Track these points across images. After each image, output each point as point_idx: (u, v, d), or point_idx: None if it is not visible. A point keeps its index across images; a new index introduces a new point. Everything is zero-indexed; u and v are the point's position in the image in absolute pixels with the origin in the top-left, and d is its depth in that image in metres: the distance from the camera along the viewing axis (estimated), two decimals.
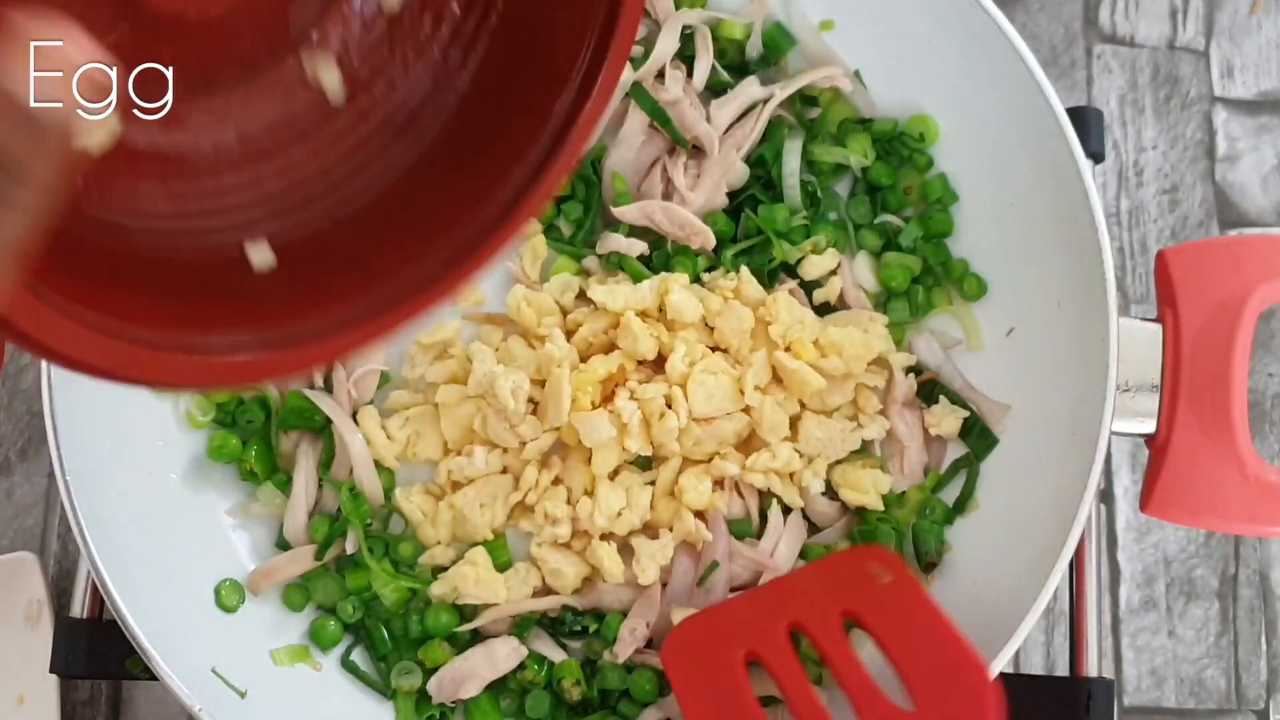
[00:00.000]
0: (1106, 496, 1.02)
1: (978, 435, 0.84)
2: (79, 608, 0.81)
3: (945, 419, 0.85)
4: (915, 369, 0.86)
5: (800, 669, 0.73)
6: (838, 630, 0.73)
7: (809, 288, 0.87)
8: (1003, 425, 0.84)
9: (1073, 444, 0.78)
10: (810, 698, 0.72)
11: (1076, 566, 0.83)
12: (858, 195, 0.89)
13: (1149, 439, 0.79)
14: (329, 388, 0.85)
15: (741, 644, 0.74)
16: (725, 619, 0.77)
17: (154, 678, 0.74)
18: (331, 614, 0.83)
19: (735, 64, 0.90)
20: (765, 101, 0.87)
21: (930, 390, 0.86)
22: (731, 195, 0.88)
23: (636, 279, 0.84)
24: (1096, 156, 0.88)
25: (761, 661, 0.74)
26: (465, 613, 0.83)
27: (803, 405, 0.85)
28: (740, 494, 0.84)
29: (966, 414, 0.85)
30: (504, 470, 0.84)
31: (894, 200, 0.88)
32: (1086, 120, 0.88)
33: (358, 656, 0.83)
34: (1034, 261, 0.84)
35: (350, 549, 0.83)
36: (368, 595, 0.83)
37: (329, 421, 0.83)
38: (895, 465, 0.85)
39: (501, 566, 0.82)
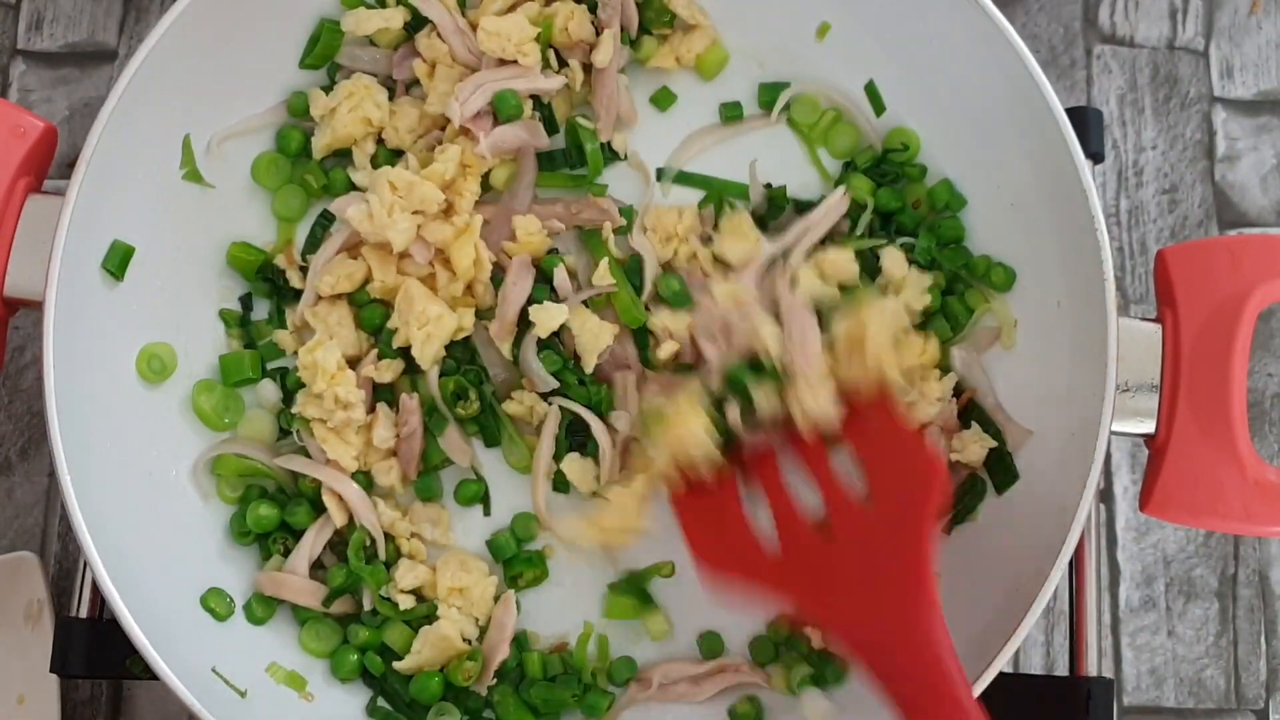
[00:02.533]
0: (1106, 496, 1.02)
1: (1001, 469, 0.84)
2: (79, 608, 0.81)
3: (971, 446, 0.84)
4: (957, 389, 0.86)
5: (783, 485, 0.78)
6: (820, 445, 0.78)
7: None
8: (1022, 454, 0.83)
9: (1073, 444, 0.78)
10: (796, 517, 0.77)
11: (1076, 566, 0.84)
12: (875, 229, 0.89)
13: (1149, 439, 0.80)
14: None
15: (731, 460, 0.79)
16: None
17: (154, 678, 0.74)
18: (352, 647, 0.83)
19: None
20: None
21: (966, 412, 0.86)
22: None
23: None
24: (1096, 156, 0.88)
25: (750, 474, 0.79)
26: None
27: None
28: None
29: (993, 444, 0.84)
30: None
31: (908, 220, 0.88)
32: (1086, 120, 0.88)
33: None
34: (1033, 261, 0.84)
35: (367, 605, 0.83)
36: (375, 647, 0.83)
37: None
38: None
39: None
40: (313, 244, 0.88)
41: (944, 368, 0.86)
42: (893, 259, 0.87)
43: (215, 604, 0.81)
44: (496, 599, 0.84)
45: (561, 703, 0.82)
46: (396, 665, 0.82)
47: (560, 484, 0.86)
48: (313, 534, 0.83)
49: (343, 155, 0.89)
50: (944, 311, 0.87)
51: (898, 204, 0.87)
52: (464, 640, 0.82)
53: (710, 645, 0.85)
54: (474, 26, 0.88)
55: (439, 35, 0.87)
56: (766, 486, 0.78)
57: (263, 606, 0.82)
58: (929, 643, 0.68)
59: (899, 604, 0.70)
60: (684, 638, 0.85)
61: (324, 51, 0.87)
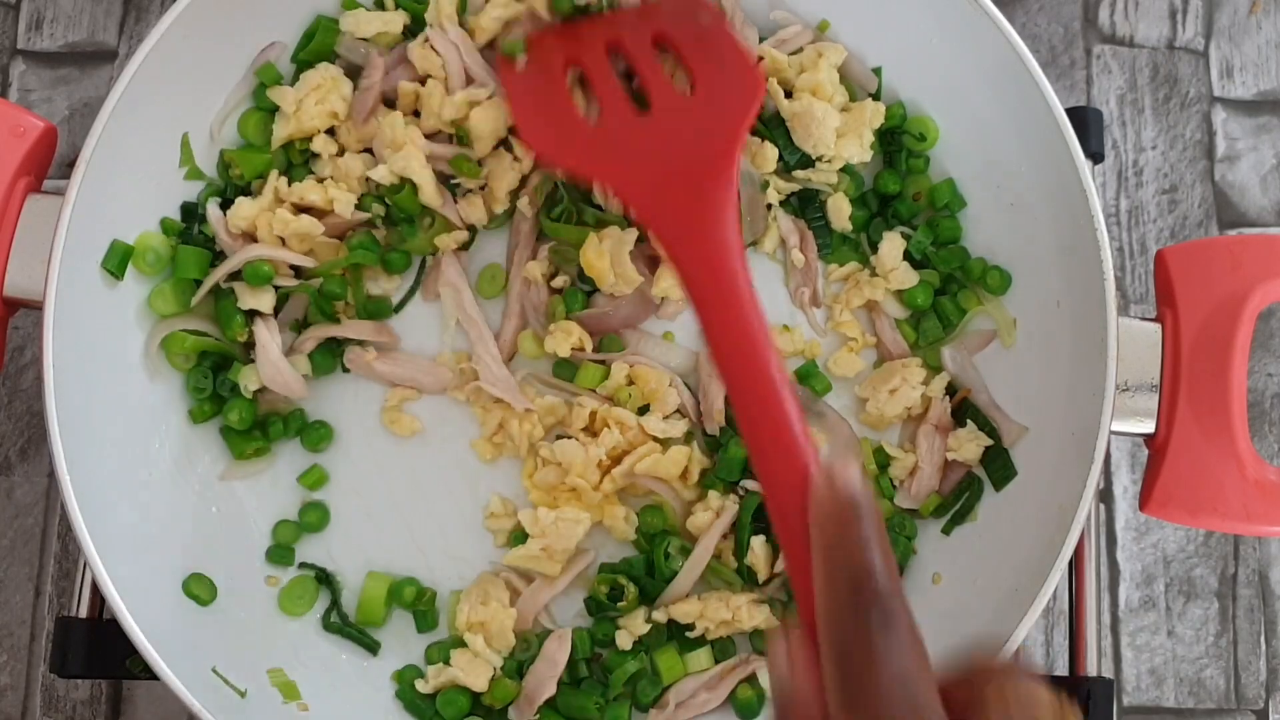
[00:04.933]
0: (1106, 496, 1.02)
1: (998, 465, 0.83)
2: (79, 608, 0.81)
3: (967, 444, 0.84)
4: (950, 387, 0.86)
5: (609, 68, 0.82)
6: (648, 45, 0.82)
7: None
8: (1019, 449, 0.83)
9: (1072, 444, 0.78)
10: (617, 91, 0.81)
11: (1076, 566, 0.84)
12: (871, 209, 0.89)
13: (1149, 439, 0.80)
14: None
15: (562, 52, 0.83)
16: (549, 36, 0.84)
17: (154, 677, 0.74)
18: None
19: None
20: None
21: (961, 409, 0.86)
22: None
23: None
24: (1096, 156, 0.88)
25: (579, 64, 0.83)
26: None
27: None
28: None
29: (989, 443, 0.84)
30: None
31: (904, 209, 0.88)
32: (1086, 120, 0.88)
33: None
34: (1033, 261, 0.84)
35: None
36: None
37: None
38: (904, 484, 0.85)
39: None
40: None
41: (935, 367, 0.86)
42: (891, 244, 0.87)
43: (198, 589, 0.81)
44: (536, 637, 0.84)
45: (584, 709, 0.81)
46: (419, 686, 0.82)
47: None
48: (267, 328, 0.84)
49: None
50: (935, 311, 0.87)
51: (897, 188, 0.87)
52: (491, 675, 0.82)
53: (723, 649, 0.84)
54: (472, 33, 0.88)
55: (433, 48, 0.87)
56: (590, 66, 0.82)
57: (200, 586, 0.81)
58: (720, 228, 0.70)
59: (700, 187, 0.73)
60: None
61: (318, 48, 0.87)
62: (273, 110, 0.87)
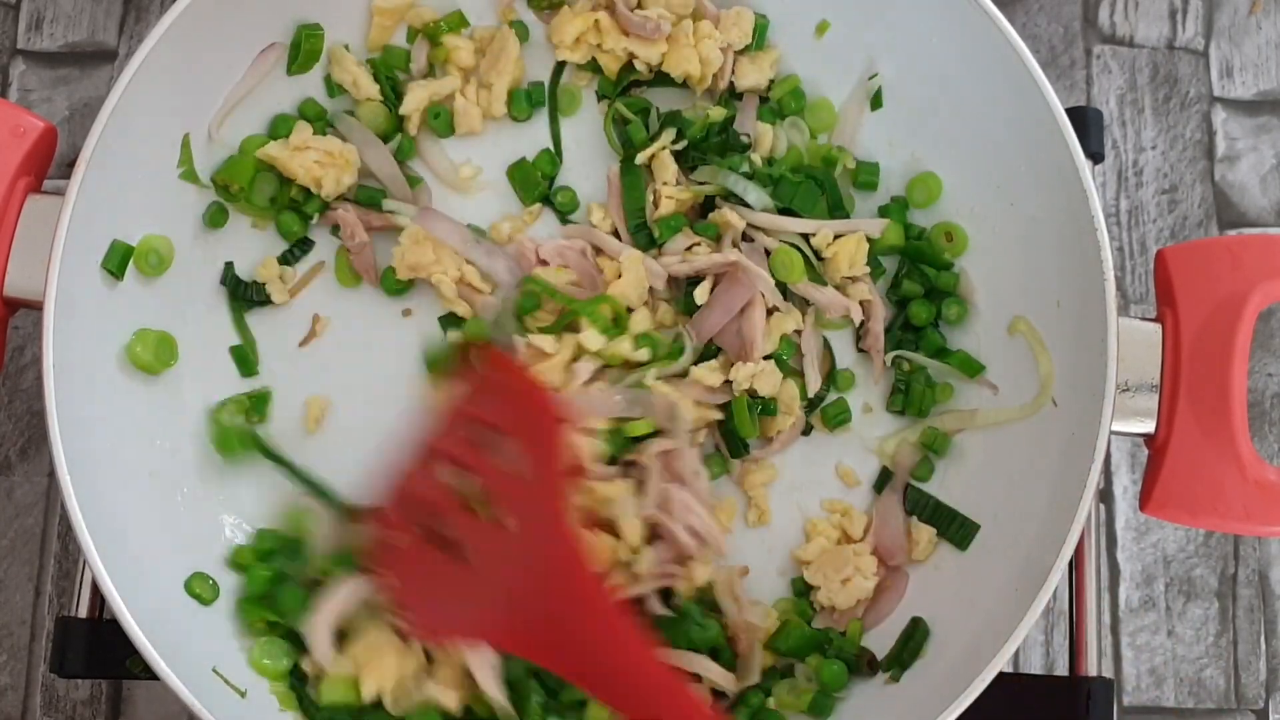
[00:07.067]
0: (1106, 496, 1.02)
1: (956, 529, 0.84)
2: (79, 608, 0.81)
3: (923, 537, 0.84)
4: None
5: (448, 489, 0.76)
6: (463, 440, 0.76)
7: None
8: (1022, 453, 0.83)
9: (1072, 443, 0.78)
10: (459, 506, 0.75)
11: (1076, 566, 0.84)
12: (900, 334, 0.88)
13: (1148, 439, 0.80)
14: None
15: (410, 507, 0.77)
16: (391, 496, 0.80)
17: (154, 677, 0.74)
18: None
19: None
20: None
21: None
22: None
23: None
24: (1096, 156, 0.88)
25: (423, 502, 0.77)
26: None
27: None
28: None
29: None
30: None
31: (932, 340, 0.87)
32: (1086, 120, 0.88)
33: None
34: (1033, 261, 0.84)
35: None
36: None
37: None
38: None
39: None
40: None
41: (928, 444, 0.87)
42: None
43: (199, 589, 0.81)
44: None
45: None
46: (303, 664, 0.80)
47: None
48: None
49: None
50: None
51: (929, 316, 0.86)
52: None
53: None
54: (488, 88, 0.89)
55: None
56: (440, 506, 0.76)
57: (202, 585, 0.81)
58: (600, 621, 0.68)
59: (562, 588, 0.69)
60: None
61: (306, 58, 0.88)
62: (270, 168, 0.87)
